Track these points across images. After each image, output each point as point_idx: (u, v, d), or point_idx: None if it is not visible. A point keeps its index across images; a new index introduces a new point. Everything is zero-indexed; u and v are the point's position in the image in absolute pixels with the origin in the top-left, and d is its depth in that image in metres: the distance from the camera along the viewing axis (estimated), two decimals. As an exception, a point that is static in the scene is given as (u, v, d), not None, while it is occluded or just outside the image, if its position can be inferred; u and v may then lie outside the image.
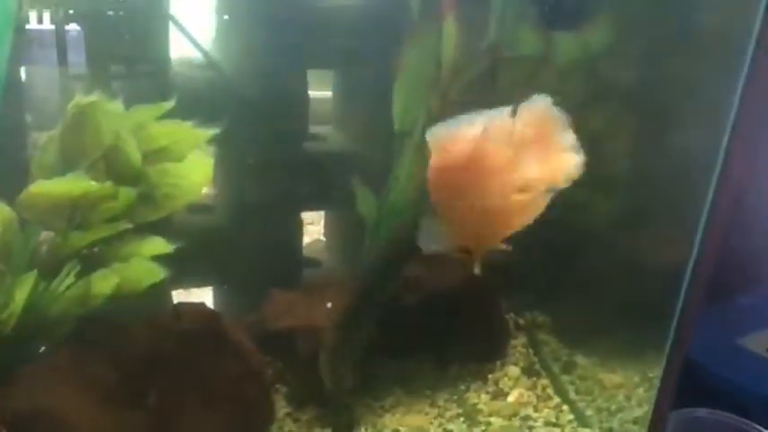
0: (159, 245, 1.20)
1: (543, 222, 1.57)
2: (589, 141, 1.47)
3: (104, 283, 1.16)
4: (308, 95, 1.66)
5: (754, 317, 1.89)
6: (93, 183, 1.12)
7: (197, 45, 1.53)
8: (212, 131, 1.24)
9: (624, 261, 1.51)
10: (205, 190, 1.69)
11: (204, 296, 1.79)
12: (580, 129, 1.45)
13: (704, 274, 1.27)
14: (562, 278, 1.61)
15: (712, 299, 1.59)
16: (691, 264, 1.25)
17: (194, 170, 1.24)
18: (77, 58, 1.45)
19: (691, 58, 1.38)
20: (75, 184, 1.11)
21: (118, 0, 1.41)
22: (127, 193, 1.17)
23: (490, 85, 1.40)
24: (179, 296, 1.62)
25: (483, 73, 1.39)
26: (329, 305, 1.39)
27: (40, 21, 1.45)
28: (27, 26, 1.39)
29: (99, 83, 1.43)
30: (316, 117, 1.74)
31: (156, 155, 1.23)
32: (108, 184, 1.13)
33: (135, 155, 1.19)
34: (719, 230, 1.23)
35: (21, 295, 1.09)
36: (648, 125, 1.49)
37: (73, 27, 1.45)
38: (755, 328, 1.84)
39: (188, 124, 1.24)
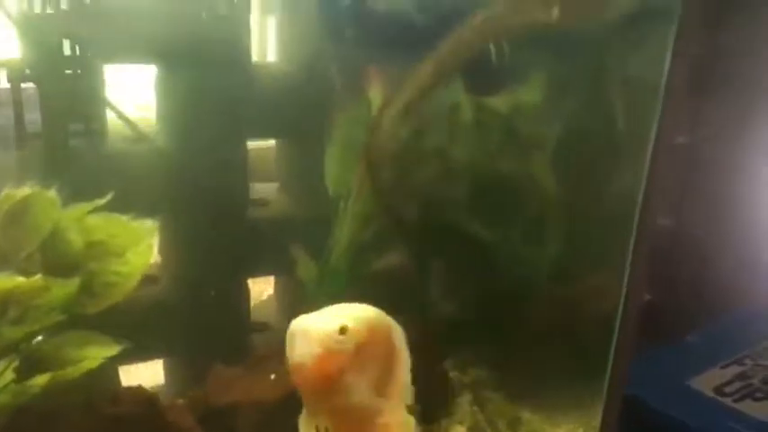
0: (105, 348, 1.20)
1: (483, 278, 1.61)
2: (519, 192, 1.53)
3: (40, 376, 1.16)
4: (246, 164, 1.69)
5: (703, 356, 1.92)
6: (22, 279, 1.12)
7: (127, 120, 1.55)
8: (153, 226, 1.25)
9: (563, 311, 1.54)
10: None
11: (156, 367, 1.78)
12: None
13: (632, 317, 1.30)
14: (504, 332, 1.63)
15: (663, 339, 1.62)
16: (620, 308, 1.28)
17: (136, 255, 1.26)
18: (35, 116, 1.47)
19: (610, 111, 1.44)
20: (3, 282, 1.11)
21: (74, 58, 1.44)
22: (65, 286, 1.17)
23: (420, 146, 1.44)
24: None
25: (411, 134, 1.43)
26: (272, 376, 1.39)
27: (-7, 80, 1.47)
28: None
29: (55, 141, 1.45)
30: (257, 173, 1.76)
31: (95, 248, 1.23)
32: (38, 278, 1.13)
33: (77, 243, 1.20)
34: (642, 272, 1.27)
35: (-45, 392, 1.09)
36: (575, 176, 1.53)
37: (30, 85, 1.47)
38: (703, 367, 1.86)
39: (125, 218, 1.25)
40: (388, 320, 0.98)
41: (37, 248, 1.16)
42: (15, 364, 1.17)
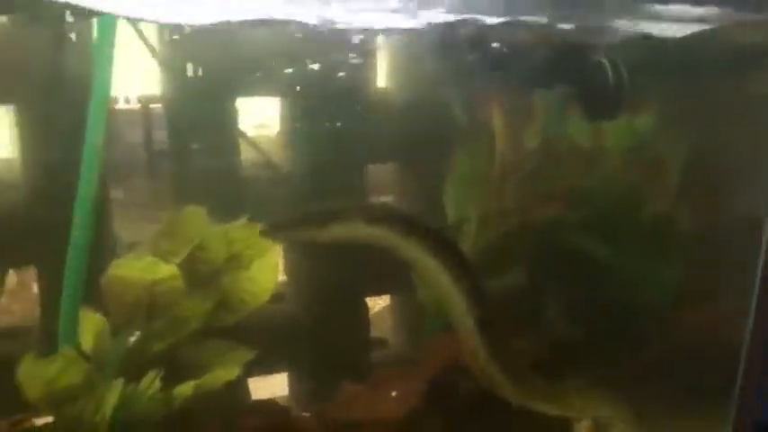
0: (243, 354, 1.30)
1: (603, 300, 1.60)
2: (641, 214, 1.52)
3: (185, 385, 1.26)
4: (365, 187, 1.75)
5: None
6: (165, 265, 1.23)
7: (255, 146, 1.65)
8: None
9: (687, 336, 1.51)
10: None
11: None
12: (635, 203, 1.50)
13: (760, 344, 1.26)
14: (625, 357, 1.61)
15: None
16: (748, 335, 1.25)
17: (264, 273, 1.35)
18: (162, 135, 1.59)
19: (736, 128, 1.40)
20: (148, 267, 1.23)
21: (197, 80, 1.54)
22: (204, 299, 1.28)
23: (545, 179, 1.46)
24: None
25: (537, 167, 1.45)
26: (394, 394, 1.44)
27: (127, 101, 1.61)
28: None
29: (180, 160, 1.57)
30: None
31: (233, 260, 1.34)
32: (173, 268, 1.24)
33: (221, 255, 1.31)
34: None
35: (111, 400, 1.20)
36: (698, 198, 1.50)
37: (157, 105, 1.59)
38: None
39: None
40: None
41: (185, 259, 1.27)
42: (161, 374, 1.27)
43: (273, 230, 1.21)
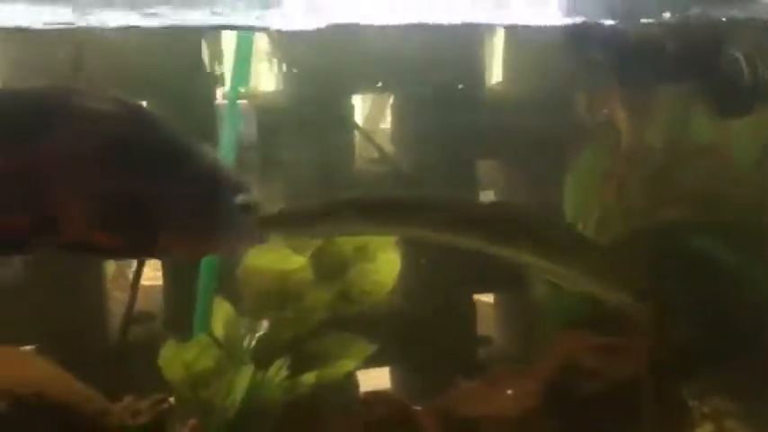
0: (364, 346, 1.34)
1: (724, 300, 1.54)
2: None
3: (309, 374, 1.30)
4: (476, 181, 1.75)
5: None
6: (296, 257, 1.28)
7: (374, 143, 1.68)
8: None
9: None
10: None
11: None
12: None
13: None
14: (750, 361, 1.55)
15: None
16: None
17: (385, 267, 1.38)
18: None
19: None
20: (280, 258, 1.28)
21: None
22: (329, 290, 1.32)
23: (668, 179, 1.42)
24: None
25: (661, 166, 1.42)
26: (509, 392, 1.44)
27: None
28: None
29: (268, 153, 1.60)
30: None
31: (358, 253, 1.37)
32: (303, 259, 1.29)
33: (347, 247, 1.35)
34: None
35: (242, 385, 1.25)
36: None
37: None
38: None
39: None
40: None
41: (314, 251, 1.31)
42: (288, 362, 1.31)
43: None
